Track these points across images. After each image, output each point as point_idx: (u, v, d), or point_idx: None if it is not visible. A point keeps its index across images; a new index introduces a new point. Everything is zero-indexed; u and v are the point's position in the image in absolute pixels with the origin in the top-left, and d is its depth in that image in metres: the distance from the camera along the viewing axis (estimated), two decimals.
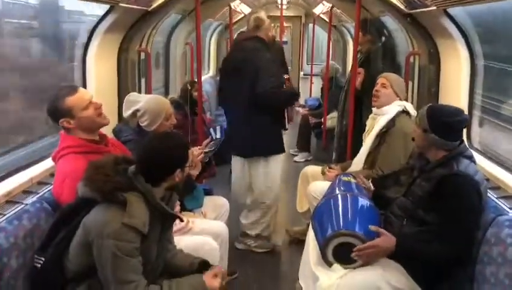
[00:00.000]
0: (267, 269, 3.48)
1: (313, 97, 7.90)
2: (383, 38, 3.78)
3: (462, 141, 2.30)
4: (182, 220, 2.19)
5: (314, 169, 3.71)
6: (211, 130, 5.30)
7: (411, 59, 3.77)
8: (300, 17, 10.01)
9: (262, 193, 3.57)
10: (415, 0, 2.89)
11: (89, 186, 1.83)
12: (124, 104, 2.77)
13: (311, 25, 9.83)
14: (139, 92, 3.98)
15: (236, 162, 3.65)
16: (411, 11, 3.23)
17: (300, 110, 6.87)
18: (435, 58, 3.40)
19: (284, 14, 8.36)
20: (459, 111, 2.28)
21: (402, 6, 3.29)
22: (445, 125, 2.23)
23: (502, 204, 2.28)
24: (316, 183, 3.33)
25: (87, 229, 1.79)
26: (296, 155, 6.36)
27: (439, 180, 2.19)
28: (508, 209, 2.21)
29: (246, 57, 3.34)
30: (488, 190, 2.31)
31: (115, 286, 1.76)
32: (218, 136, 5.30)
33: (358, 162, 3.30)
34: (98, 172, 1.83)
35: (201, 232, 2.60)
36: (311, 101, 7.39)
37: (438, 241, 2.15)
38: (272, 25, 9.84)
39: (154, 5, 3.44)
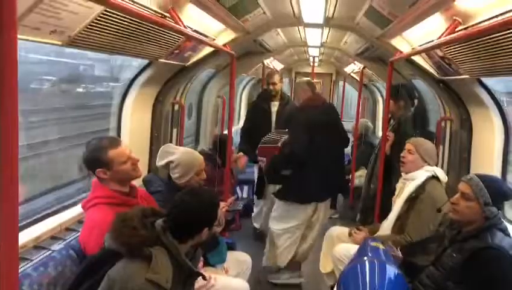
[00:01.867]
0: None
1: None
2: (416, 102, 3.78)
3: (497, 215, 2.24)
4: (204, 278, 2.17)
5: (340, 230, 3.65)
6: (237, 188, 5.33)
7: (442, 124, 3.75)
8: (331, 74, 10.20)
9: None
10: (448, 67, 2.91)
11: (115, 239, 1.84)
12: (158, 153, 2.83)
13: (341, 82, 10.00)
14: (171, 142, 4.08)
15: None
16: (443, 78, 3.25)
17: None
18: (467, 125, 3.37)
19: (315, 71, 8.54)
20: (502, 179, 2.25)
21: (434, 73, 3.31)
22: (504, 196, 2.21)
23: None
24: (342, 245, 3.27)
25: (112, 282, 1.79)
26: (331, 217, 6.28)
27: (472, 252, 2.12)
28: None
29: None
30: None
31: None
32: (244, 195, 5.32)
33: (387, 227, 3.23)
34: (125, 225, 1.85)
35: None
36: None
37: None
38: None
39: (191, 61, 3.58)
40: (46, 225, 2.43)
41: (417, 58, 3.36)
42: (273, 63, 7.32)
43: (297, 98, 4.04)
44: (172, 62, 3.28)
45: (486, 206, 2.16)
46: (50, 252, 2.18)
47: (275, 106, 4.73)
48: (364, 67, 5.94)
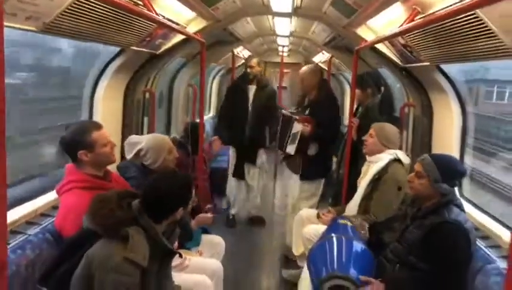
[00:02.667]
0: None
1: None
2: (382, 90, 3.93)
3: (454, 189, 2.40)
4: (181, 256, 2.25)
5: (309, 212, 3.79)
6: (216, 198, 5.40)
7: (406, 110, 3.93)
8: (300, 64, 10.33)
9: None
10: (410, 55, 3.06)
11: (93, 220, 1.90)
12: (125, 148, 2.87)
13: None
14: (142, 131, 4.11)
15: None
16: (406, 65, 3.41)
17: None
18: (428, 110, 3.54)
19: (284, 61, 8.65)
20: (458, 160, 2.41)
21: (398, 61, 3.46)
22: (455, 174, 2.36)
23: (490, 253, 2.35)
24: (312, 226, 3.40)
25: (90, 262, 1.84)
26: None
27: (431, 227, 2.28)
28: (496, 258, 2.28)
29: None
30: (477, 239, 2.40)
31: None
32: (223, 207, 5.39)
33: (352, 208, 3.37)
34: (103, 206, 1.91)
35: (197, 270, 2.65)
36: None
37: (428, 287, 2.22)
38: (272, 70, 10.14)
39: (162, 49, 3.62)
40: (21, 210, 2.45)
41: (381, 47, 3.49)
42: (243, 52, 7.38)
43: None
44: (143, 50, 3.32)
45: (436, 183, 2.33)
46: (26, 236, 2.20)
47: (252, 89, 4.83)
48: (331, 57, 6.08)
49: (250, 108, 4.80)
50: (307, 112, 4.21)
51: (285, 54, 8.80)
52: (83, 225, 1.98)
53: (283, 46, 7.65)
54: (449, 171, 2.35)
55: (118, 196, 1.99)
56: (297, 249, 3.69)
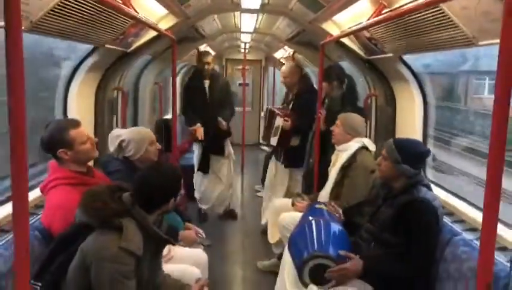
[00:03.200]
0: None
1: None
2: (346, 82, 4.12)
3: (421, 170, 2.60)
4: (173, 244, 2.32)
5: (283, 201, 3.93)
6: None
7: (369, 100, 4.14)
8: (261, 60, 10.47)
9: None
10: (374, 47, 3.25)
11: (86, 213, 1.95)
12: (109, 140, 2.90)
13: (271, 69, 10.30)
14: (112, 129, 4.12)
15: None
16: (370, 58, 3.60)
17: (266, 148, 7.13)
18: (391, 100, 3.76)
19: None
20: (421, 143, 2.60)
21: (362, 53, 3.65)
22: (415, 155, 2.53)
23: (456, 227, 2.56)
24: (287, 213, 3.53)
25: (85, 254, 1.89)
26: (260, 191, 6.56)
27: (402, 206, 2.46)
28: (461, 231, 2.49)
29: None
30: (444, 216, 2.61)
31: None
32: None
33: (324, 195, 3.54)
34: (95, 199, 1.96)
35: (182, 260, 2.72)
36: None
37: (401, 261, 2.40)
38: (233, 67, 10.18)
39: (133, 47, 3.65)
40: (4, 209, 2.44)
41: (346, 41, 3.68)
42: (206, 50, 7.43)
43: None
44: (116, 48, 3.34)
45: (397, 164, 2.52)
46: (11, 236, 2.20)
47: (206, 83, 4.96)
48: (294, 52, 6.25)
49: (208, 101, 4.94)
50: (290, 106, 4.56)
51: (246, 51, 8.91)
52: (74, 219, 2.03)
53: (245, 43, 7.76)
54: (408, 153, 2.53)
55: (109, 190, 2.05)
56: (273, 237, 3.83)
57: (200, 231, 3.29)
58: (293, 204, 3.63)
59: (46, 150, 2.35)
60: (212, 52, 8.49)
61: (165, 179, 2.11)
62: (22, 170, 1.13)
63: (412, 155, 2.54)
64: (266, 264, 4.04)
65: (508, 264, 1.97)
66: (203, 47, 6.97)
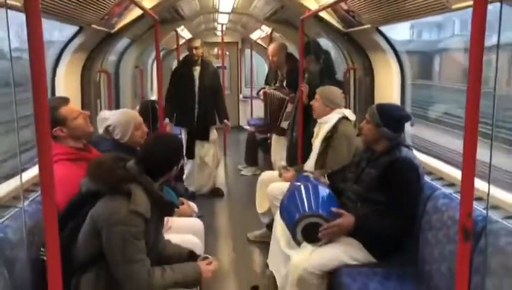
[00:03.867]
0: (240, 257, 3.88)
1: (255, 117, 8.30)
2: (323, 57, 4.27)
3: (401, 133, 2.76)
4: (178, 207, 2.43)
5: (270, 174, 4.09)
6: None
7: (348, 74, 4.29)
8: (237, 42, 10.50)
9: None
10: (352, 19, 3.38)
11: (94, 180, 2.04)
12: (97, 123, 2.98)
13: (247, 50, 10.35)
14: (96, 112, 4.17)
15: None
16: (348, 30, 3.74)
17: (248, 128, 7.26)
18: (369, 72, 3.92)
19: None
20: (402, 108, 2.76)
21: (340, 26, 3.79)
22: (395, 119, 2.70)
23: (436, 183, 2.75)
24: (276, 184, 3.68)
25: (96, 219, 1.99)
26: (243, 170, 6.72)
27: (385, 166, 2.63)
28: (441, 187, 2.67)
29: None
30: (424, 174, 2.79)
31: (124, 266, 1.97)
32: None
33: (309, 165, 3.70)
34: (102, 167, 2.06)
35: (180, 230, 2.84)
36: (253, 121, 7.77)
37: (387, 217, 2.58)
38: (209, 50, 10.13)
39: (117, 27, 3.69)
40: (4, 187, 2.49)
41: (325, 15, 3.80)
42: (183, 33, 7.45)
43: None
44: (101, 28, 3.39)
45: (379, 127, 2.68)
46: (20, 207, 2.26)
47: (196, 71, 5.01)
48: (272, 31, 6.34)
49: (197, 88, 5.02)
50: (284, 83, 4.76)
51: (223, 33, 8.94)
52: (80, 189, 2.12)
53: (222, 25, 7.79)
54: (388, 116, 2.69)
55: (112, 159, 2.14)
56: (261, 207, 3.98)
57: (192, 204, 3.42)
58: (280, 175, 3.78)
59: None
60: (189, 35, 8.52)
61: (169, 148, 2.22)
62: (46, 139, 1.29)
63: (393, 119, 2.70)
64: (256, 234, 4.19)
65: (484, 211, 2.16)
66: (181, 29, 7.00)
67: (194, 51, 4.92)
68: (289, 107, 4.67)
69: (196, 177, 5.31)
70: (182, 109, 5.00)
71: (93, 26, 3.17)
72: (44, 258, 2.04)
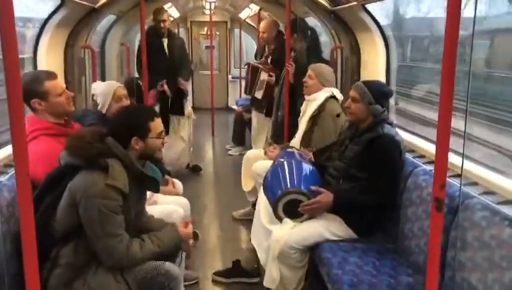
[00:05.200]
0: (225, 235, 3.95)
1: (243, 97, 8.27)
2: (310, 35, 4.25)
3: (384, 111, 2.77)
4: (157, 191, 2.41)
5: (255, 152, 4.09)
6: None
7: (335, 52, 4.28)
8: (226, 22, 10.37)
9: None
10: None
11: (73, 153, 2.03)
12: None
13: (236, 30, 10.24)
14: (85, 88, 4.13)
15: None
16: (334, 8, 3.72)
17: (236, 107, 7.24)
18: (356, 50, 3.91)
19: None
20: (384, 83, 2.80)
21: (326, 4, 3.76)
22: (384, 95, 2.73)
23: (417, 161, 2.78)
24: (261, 162, 3.68)
25: (74, 192, 1.99)
26: (231, 150, 6.72)
27: (368, 142, 2.65)
28: (422, 164, 2.70)
29: None
30: (406, 152, 2.82)
31: (103, 239, 1.98)
32: None
33: (295, 143, 3.71)
34: (80, 140, 2.05)
35: (166, 204, 2.85)
36: (241, 101, 7.74)
37: (368, 192, 2.60)
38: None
39: (101, 2, 3.63)
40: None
41: None
42: (171, 10, 7.35)
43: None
44: (83, 2, 3.33)
45: (370, 105, 2.69)
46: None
47: (165, 42, 4.98)
48: (261, 9, 6.28)
49: (166, 60, 4.95)
50: (269, 60, 4.82)
51: (212, 12, 8.80)
52: (59, 163, 2.11)
53: (210, 3, 7.68)
54: (379, 93, 2.72)
55: (92, 133, 2.13)
56: (247, 186, 3.99)
57: (178, 182, 3.42)
58: (265, 153, 3.79)
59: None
60: (177, 14, 8.41)
61: (128, 114, 2.20)
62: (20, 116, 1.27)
63: (381, 94, 2.73)
64: (241, 212, 4.23)
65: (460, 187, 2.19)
66: (168, 6, 6.90)
67: (162, 24, 4.86)
68: (262, 76, 4.74)
69: (171, 153, 5.12)
70: (155, 82, 4.84)
71: None
72: None
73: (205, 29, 10.27)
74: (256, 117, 5.30)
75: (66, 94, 2.48)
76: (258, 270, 3.15)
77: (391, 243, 2.65)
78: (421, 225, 2.39)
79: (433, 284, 1.58)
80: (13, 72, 1.21)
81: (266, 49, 4.92)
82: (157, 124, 2.19)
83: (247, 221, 3.98)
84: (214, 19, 9.15)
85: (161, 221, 2.44)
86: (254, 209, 3.70)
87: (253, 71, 4.86)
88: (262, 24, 4.86)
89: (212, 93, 7.99)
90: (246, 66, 5.25)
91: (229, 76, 10.54)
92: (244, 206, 4.27)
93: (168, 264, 2.10)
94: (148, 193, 2.83)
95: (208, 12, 8.28)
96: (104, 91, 2.93)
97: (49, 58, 3.44)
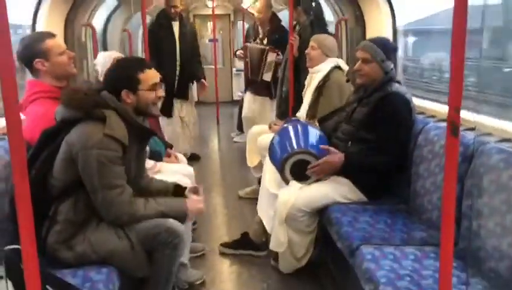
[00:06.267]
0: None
1: None
2: (314, 8, 4.16)
3: (392, 69, 2.68)
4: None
5: (260, 127, 4.00)
6: None
7: (340, 25, 4.19)
8: (229, 15, 10.31)
9: None
10: None
11: (68, 106, 1.95)
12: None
13: (239, 23, 10.16)
14: (87, 68, 4.08)
15: None
16: None
17: (240, 94, 7.17)
18: (361, 21, 3.82)
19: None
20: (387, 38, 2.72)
21: None
22: (393, 50, 2.66)
23: (427, 119, 2.68)
24: (266, 135, 3.58)
25: (71, 145, 1.91)
26: (235, 137, 6.64)
27: (377, 101, 2.55)
28: (433, 123, 2.59)
29: None
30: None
31: (103, 192, 1.90)
32: None
33: (301, 116, 3.62)
34: (76, 93, 1.98)
35: (171, 174, 2.77)
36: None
37: (380, 152, 2.50)
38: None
39: None
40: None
41: None
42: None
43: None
44: None
45: (383, 62, 2.60)
46: None
47: (175, 26, 4.85)
48: None
49: (177, 43, 4.85)
50: (265, 41, 4.74)
51: (214, 4, 8.75)
52: (55, 117, 2.04)
53: None
54: (388, 48, 2.63)
55: (86, 87, 2.06)
56: (252, 161, 3.91)
57: (181, 155, 3.35)
58: (269, 127, 3.70)
59: (21, 61, 2.32)
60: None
61: (117, 67, 2.11)
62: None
63: (391, 50, 2.65)
64: (247, 190, 4.14)
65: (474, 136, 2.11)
66: None
67: (173, 10, 4.75)
68: (270, 57, 4.63)
69: (174, 137, 4.98)
70: (164, 64, 4.69)
71: None
72: None
73: (209, 23, 10.18)
74: (256, 101, 5.11)
75: (67, 53, 2.40)
76: (266, 244, 3.05)
77: (403, 204, 2.56)
78: (434, 179, 2.29)
79: (450, 227, 1.48)
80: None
81: (260, 31, 4.81)
82: (149, 76, 2.07)
83: (253, 199, 3.89)
84: (217, 12, 9.10)
85: (163, 181, 2.35)
86: (260, 186, 3.62)
87: (260, 54, 4.69)
88: (258, 5, 4.76)
89: (216, 87, 7.97)
90: (238, 52, 5.09)
91: (233, 69, 10.46)
92: (250, 185, 4.19)
93: (171, 221, 2.02)
94: (152, 162, 2.78)
95: (210, 4, 8.22)
96: (104, 60, 2.88)
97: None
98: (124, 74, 2.05)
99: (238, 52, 5.10)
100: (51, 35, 2.37)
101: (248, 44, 4.89)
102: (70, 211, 1.94)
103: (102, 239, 1.94)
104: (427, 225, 2.28)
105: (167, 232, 2.00)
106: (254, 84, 5.00)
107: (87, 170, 1.89)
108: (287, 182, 2.61)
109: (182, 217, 2.12)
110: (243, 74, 9.31)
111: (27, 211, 1.32)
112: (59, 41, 2.38)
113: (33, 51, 2.28)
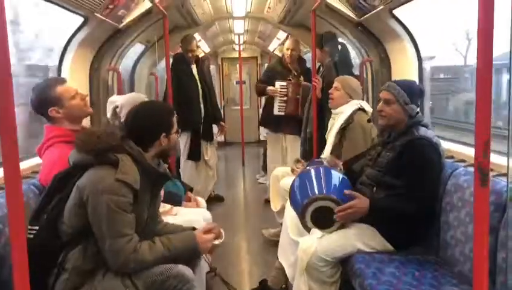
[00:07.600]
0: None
1: None
2: (340, 50, 4.13)
3: (418, 112, 2.57)
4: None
5: (283, 169, 3.91)
6: None
7: (365, 66, 4.13)
8: (256, 57, 10.46)
9: None
10: (363, 3, 3.25)
11: (81, 149, 1.93)
12: (107, 107, 2.89)
13: (266, 64, 10.27)
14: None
15: None
16: (361, 18, 3.60)
17: (266, 134, 7.13)
18: (386, 62, 3.76)
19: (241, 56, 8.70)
20: (414, 81, 2.63)
21: (352, 15, 3.65)
22: (418, 94, 2.56)
23: (456, 164, 2.53)
24: (288, 178, 3.50)
25: (82, 190, 1.86)
26: (260, 179, 6.56)
27: (403, 146, 2.42)
28: (462, 167, 2.45)
29: None
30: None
31: (110, 240, 1.83)
32: None
33: (324, 158, 3.52)
34: (90, 136, 1.95)
35: (187, 217, 2.69)
36: None
37: (407, 199, 2.35)
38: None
39: (125, 22, 3.65)
40: None
41: (336, 4, 3.67)
42: (200, 44, 7.45)
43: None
44: (106, 20, 3.33)
45: (406, 105, 2.49)
46: None
47: (194, 69, 4.88)
48: (287, 37, 6.25)
49: (199, 85, 4.86)
50: (301, 78, 4.69)
51: (241, 48, 8.88)
52: (69, 161, 2.01)
53: (239, 35, 7.76)
54: (413, 91, 2.53)
55: (101, 131, 2.03)
56: (275, 205, 3.80)
57: (201, 199, 3.27)
58: (292, 170, 3.61)
59: (37, 111, 2.35)
60: (208, 49, 8.52)
61: (154, 112, 2.10)
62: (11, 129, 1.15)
63: (415, 93, 2.55)
64: (271, 232, 4.02)
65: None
66: (198, 39, 6.99)
67: (190, 54, 4.77)
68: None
69: (197, 180, 4.91)
70: (189, 108, 4.69)
71: (97, 15, 3.12)
72: (31, 236, 1.94)
73: (237, 66, 10.34)
74: (278, 139, 4.93)
75: (80, 95, 2.43)
76: None
77: (433, 255, 2.38)
78: (464, 229, 2.14)
79: (483, 282, 1.34)
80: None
81: (292, 70, 4.71)
82: (175, 119, 2.15)
83: (277, 241, 3.76)
84: (244, 54, 9.26)
85: (178, 227, 2.27)
86: None
87: (304, 91, 4.52)
88: (289, 42, 4.73)
89: (242, 127, 8.05)
90: (270, 88, 4.67)
91: (260, 110, 10.48)
92: (275, 228, 4.06)
93: (180, 267, 1.92)
94: (168, 206, 2.72)
95: (237, 48, 8.37)
96: (132, 101, 2.83)
97: (73, 77, 3.42)
98: (163, 119, 2.09)
99: (270, 89, 4.70)
100: (61, 80, 2.40)
101: (290, 82, 4.66)
102: (78, 259, 1.87)
103: (108, 288, 1.86)
104: (459, 278, 2.10)
105: (175, 279, 1.90)
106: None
107: (96, 216, 1.84)
108: (308, 230, 2.48)
109: (192, 255, 2.06)
110: None
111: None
112: (69, 86, 2.39)
113: (46, 99, 2.31)
